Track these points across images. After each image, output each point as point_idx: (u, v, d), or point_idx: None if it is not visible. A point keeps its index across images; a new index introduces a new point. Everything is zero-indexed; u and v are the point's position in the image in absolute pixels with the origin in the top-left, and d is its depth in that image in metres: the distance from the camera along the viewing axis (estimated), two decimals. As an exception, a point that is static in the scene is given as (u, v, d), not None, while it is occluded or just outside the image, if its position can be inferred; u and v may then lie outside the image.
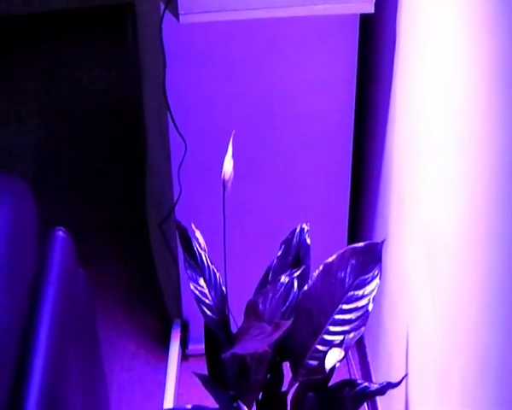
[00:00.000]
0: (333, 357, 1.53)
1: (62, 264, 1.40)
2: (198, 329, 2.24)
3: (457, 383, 1.42)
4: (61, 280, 1.37)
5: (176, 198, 2.15)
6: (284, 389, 1.79)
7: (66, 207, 3.04)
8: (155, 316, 2.59)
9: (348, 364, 2.40)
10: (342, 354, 1.54)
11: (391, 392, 1.79)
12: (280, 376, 1.78)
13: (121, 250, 2.86)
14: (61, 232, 1.46)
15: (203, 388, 1.73)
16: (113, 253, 2.85)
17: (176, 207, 2.16)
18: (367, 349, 2.36)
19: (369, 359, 2.33)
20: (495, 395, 1.22)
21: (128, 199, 3.04)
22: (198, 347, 2.35)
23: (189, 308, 2.40)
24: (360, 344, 2.41)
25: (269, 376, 1.76)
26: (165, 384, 2.33)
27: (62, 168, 3.33)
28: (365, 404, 2.28)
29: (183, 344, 2.45)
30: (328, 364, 1.53)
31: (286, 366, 1.79)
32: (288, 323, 1.41)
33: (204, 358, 1.76)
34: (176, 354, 2.40)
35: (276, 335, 1.40)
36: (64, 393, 1.42)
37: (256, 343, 1.44)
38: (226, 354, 1.51)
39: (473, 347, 1.33)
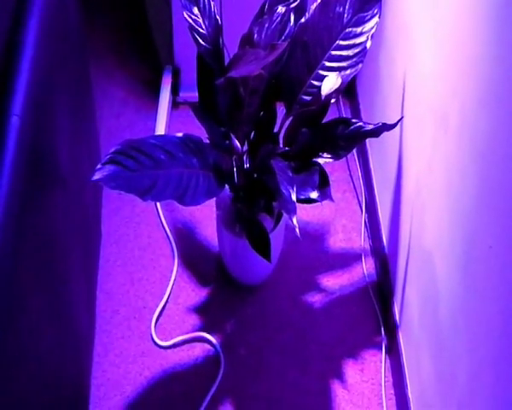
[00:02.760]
0: (330, 82, 1.49)
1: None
2: (189, 76, 2.19)
3: (455, 124, 1.40)
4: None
5: None
6: (276, 130, 1.77)
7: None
8: (147, 62, 2.53)
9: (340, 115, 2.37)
10: (339, 80, 1.49)
11: (384, 139, 1.77)
12: (273, 114, 1.75)
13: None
14: None
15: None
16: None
17: None
18: (359, 99, 2.33)
19: (362, 113, 2.30)
20: (495, 158, 1.20)
21: None
22: (188, 94, 2.31)
23: (180, 55, 2.34)
24: (353, 96, 2.38)
25: (262, 113, 1.73)
26: (154, 131, 2.31)
27: None
28: (355, 153, 2.28)
29: (174, 91, 2.40)
30: (325, 89, 1.48)
31: (279, 110, 1.75)
32: (284, 44, 1.35)
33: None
34: (166, 101, 2.36)
35: (272, 57, 1.34)
36: (51, 107, 1.38)
37: (251, 66, 1.39)
38: (220, 80, 1.47)
39: (471, 83, 1.30)
